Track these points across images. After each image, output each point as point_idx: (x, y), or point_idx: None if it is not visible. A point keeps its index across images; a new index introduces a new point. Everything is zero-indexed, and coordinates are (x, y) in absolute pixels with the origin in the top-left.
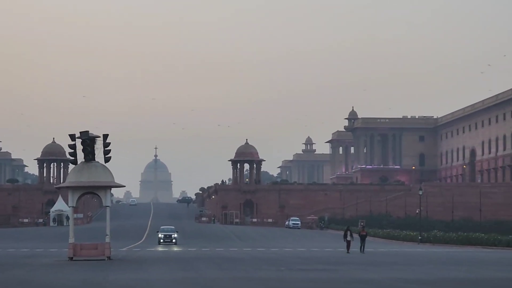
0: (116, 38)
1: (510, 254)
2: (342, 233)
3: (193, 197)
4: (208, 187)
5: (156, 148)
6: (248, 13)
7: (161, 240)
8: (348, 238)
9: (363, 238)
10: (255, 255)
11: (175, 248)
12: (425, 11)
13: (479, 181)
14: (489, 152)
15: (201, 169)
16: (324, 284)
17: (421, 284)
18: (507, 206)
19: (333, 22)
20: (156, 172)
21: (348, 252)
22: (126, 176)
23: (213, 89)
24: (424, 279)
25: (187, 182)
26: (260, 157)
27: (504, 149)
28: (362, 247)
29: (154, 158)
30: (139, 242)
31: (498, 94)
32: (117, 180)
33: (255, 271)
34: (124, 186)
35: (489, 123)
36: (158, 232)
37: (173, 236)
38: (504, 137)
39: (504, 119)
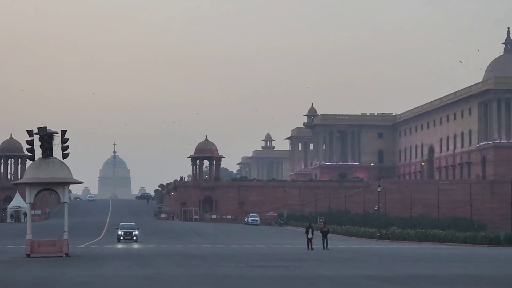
0: (71, 31)
1: (467, 250)
2: (300, 229)
3: (152, 193)
4: (167, 184)
5: (115, 144)
6: (208, 7)
7: (121, 238)
8: (309, 235)
9: (325, 235)
10: (214, 252)
11: (134, 245)
12: (384, 10)
13: (437, 178)
14: (447, 149)
15: (160, 166)
16: (284, 281)
17: (382, 280)
18: (465, 203)
19: (294, 20)
20: (114, 169)
21: (309, 249)
22: (85, 173)
23: (173, 85)
24: (384, 276)
25: (146, 179)
26: (220, 154)
27: (462, 146)
28: (325, 243)
29: (113, 154)
30: (98, 239)
31: (456, 91)
32: (75, 177)
33: (214, 268)
34: (82, 183)
35: (447, 121)
36: (117, 229)
37: (133, 233)
38: (462, 134)
39: (462, 116)
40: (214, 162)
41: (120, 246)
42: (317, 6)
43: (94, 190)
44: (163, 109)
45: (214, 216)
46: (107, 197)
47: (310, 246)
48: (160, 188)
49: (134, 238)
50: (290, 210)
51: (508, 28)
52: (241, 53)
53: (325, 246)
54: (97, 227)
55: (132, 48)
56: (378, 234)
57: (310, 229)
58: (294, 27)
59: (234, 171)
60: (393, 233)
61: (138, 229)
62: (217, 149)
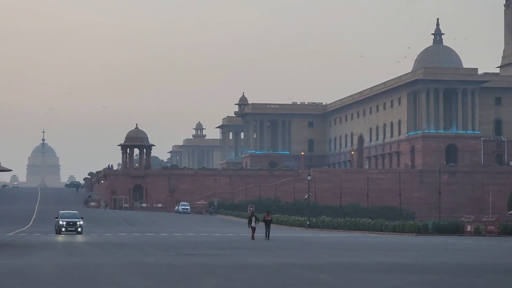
0: None
1: (396, 239)
2: (230, 218)
3: (82, 182)
4: (97, 172)
5: (43, 132)
6: None
7: (63, 229)
8: (253, 224)
9: (267, 224)
10: (144, 240)
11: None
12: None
13: (366, 167)
14: (377, 139)
15: (90, 154)
16: (213, 269)
17: (310, 269)
18: (394, 192)
19: (226, 9)
20: (43, 156)
21: (253, 239)
22: (13, 160)
23: (103, 72)
24: (311, 264)
25: (76, 167)
26: (150, 142)
27: (391, 135)
28: (267, 233)
29: (42, 142)
30: (26, 227)
31: (386, 81)
32: (3, 164)
33: (144, 256)
34: (11, 170)
35: (377, 110)
36: (57, 218)
37: (78, 223)
38: (392, 124)
39: (392, 106)
40: (144, 150)
41: (52, 235)
42: None
43: (22, 178)
44: (93, 96)
45: (144, 205)
46: (36, 185)
47: (253, 235)
48: (89, 177)
49: (79, 229)
50: (220, 199)
51: (438, 19)
52: (173, 41)
53: (267, 235)
54: (25, 216)
55: (63, 33)
56: (308, 222)
57: (254, 218)
58: (227, 17)
59: (165, 160)
60: (323, 222)
61: (82, 218)
62: (147, 137)
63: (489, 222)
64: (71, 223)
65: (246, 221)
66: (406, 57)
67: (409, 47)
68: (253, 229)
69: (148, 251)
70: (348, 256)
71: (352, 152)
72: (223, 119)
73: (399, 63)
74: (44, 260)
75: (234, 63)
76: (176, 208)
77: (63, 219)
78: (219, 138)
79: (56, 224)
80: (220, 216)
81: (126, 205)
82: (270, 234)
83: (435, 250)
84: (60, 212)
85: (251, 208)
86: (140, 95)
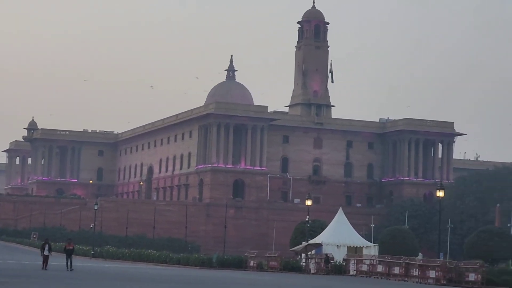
0: None
1: (180, 271)
2: (13, 245)
3: None
4: None
5: None
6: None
7: None
8: (46, 252)
9: (69, 254)
10: None
11: None
12: (107, 33)
13: (154, 198)
14: (166, 171)
15: None
16: None
17: None
18: (180, 224)
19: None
20: None
21: (45, 269)
22: None
23: None
24: None
25: None
26: None
27: (181, 168)
28: (69, 263)
29: None
30: None
31: (179, 114)
32: None
33: None
34: None
35: (168, 142)
36: None
37: None
38: (182, 156)
39: (183, 138)
40: None
41: None
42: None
43: None
44: None
45: None
46: None
47: (45, 264)
48: None
49: None
50: (3, 225)
51: (232, 55)
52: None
53: (69, 266)
54: None
55: None
56: (92, 252)
57: (47, 246)
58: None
59: None
60: (108, 252)
61: None
62: None
63: (272, 258)
64: None
65: (30, 248)
66: (197, 77)
67: (197, 77)
68: (46, 257)
69: None
70: (130, 287)
71: (141, 183)
72: (10, 143)
73: (194, 95)
74: None
75: (24, 87)
76: None
77: None
78: (5, 162)
79: None
80: (1, 243)
81: None
82: (72, 264)
83: (216, 284)
84: None
85: (34, 236)
86: None
